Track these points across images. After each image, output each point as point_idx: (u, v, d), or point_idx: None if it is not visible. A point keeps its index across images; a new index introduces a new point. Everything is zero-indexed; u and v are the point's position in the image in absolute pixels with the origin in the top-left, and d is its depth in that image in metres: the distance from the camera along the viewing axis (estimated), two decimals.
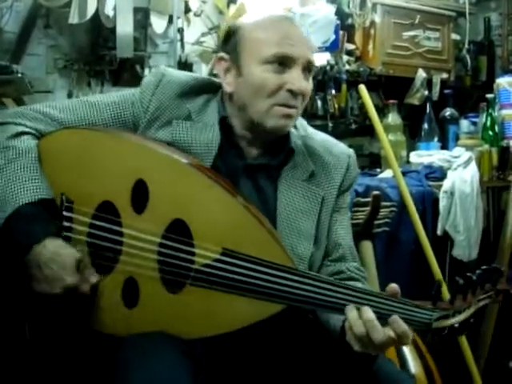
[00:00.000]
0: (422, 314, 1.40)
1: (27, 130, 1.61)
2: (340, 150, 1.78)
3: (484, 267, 1.47)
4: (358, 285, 1.57)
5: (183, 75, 1.72)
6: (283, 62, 1.59)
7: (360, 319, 1.36)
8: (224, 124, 1.66)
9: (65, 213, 1.56)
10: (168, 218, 1.49)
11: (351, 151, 1.80)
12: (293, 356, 1.59)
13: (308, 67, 1.63)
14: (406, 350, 2.43)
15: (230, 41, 1.67)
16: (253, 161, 1.68)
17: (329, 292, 1.40)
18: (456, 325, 1.42)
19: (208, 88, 1.71)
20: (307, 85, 1.63)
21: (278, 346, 1.60)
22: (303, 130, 1.76)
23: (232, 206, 1.48)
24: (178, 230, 1.47)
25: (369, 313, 1.36)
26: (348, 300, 1.39)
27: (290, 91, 1.59)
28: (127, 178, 1.53)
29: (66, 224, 1.56)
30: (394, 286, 1.41)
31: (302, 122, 1.79)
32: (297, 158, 1.69)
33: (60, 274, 1.45)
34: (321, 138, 1.78)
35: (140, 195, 1.51)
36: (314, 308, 1.49)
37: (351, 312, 1.37)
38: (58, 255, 1.47)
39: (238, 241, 1.45)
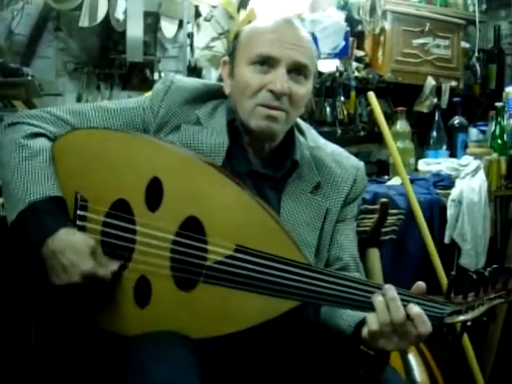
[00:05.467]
0: (435, 308, 1.40)
1: (42, 131, 1.63)
2: (349, 162, 1.78)
3: (495, 266, 1.47)
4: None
5: (192, 82, 1.75)
6: (267, 62, 1.60)
7: (383, 299, 1.37)
8: (232, 127, 1.67)
9: (79, 212, 1.57)
10: (182, 215, 1.49)
11: (361, 164, 1.80)
12: (299, 358, 1.59)
13: (298, 69, 1.62)
14: (412, 358, 2.43)
15: (232, 45, 1.71)
16: (258, 168, 1.68)
17: (345, 288, 1.40)
18: (469, 323, 1.42)
19: (217, 94, 1.73)
20: (295, 86, 1.62)
21: (285, 348, 1.60)
22: (312, 141, 1.76)
23: (246, 203, 1.48)
24: (192, 228, 1.48)
25: (393, 291, 1.38)
26: (362, 295, 1.40)
27: (271, 91, 1.59)
28: (142, 175, 1.54)
29: (80, 223, 1.57)
30: (421, 285, 1.43)
31: (312, 134, 1.80)
32: (302, 170, 1.70)
33: (75, 259, 1.46)
34: (331, 150, 1.78)
35: (154, 193, 1.52)
36: (329, 304, 1.49)
37: (378, 296, 1.39)
38: (71, 242, 1.48)
39: (252, 237, 1.44)
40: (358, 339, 1.45)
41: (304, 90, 1.65)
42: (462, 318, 1.42)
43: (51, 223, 1.50)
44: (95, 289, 1.51)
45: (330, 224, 1.70)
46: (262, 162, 1.70)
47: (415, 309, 1.37)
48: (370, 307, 1.40)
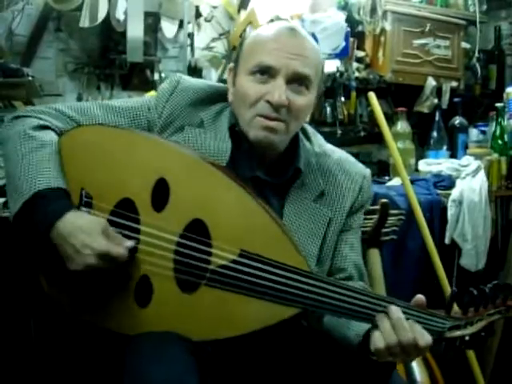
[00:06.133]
0: (435, 323, 1.41)
1: (48, 124, 1.62)
2: (355, 169, 1.75)
3: (495, 282, 1.49)
4: None
5: (199, 83, 1.73)
6: (266, 72, 1.58)
7: (389, 320, 1.38)
8: (234, 133, 1.66)
9: (84, 208, 1.57)
10: (187, 217, 1.49)
11: (367, 172, 1.78)
12: (298, 362, 1.58)
13: (298, 80, 1.60)
14: None
15: (236, 53, 1.70)
16: (261, 174, 1.67)
17: (348, 298, 1.41)
18: (467, 337, 1.42)
19: (224, 96, 1.71)
20: (295, 97, 1.60)
21: (284, 351, 1.60)
22: (318, 147, 1.74)
23: (251, 207, 1.48)
24: (197, 230, 1.47)
25: (399, 313, 1.39)
26: (367, 307, 1.41)
27: (269, 102, 1.57)
28: (148, 176, 1.53)
29: (86, 212, 1.56)
30: (421, 298, 1.44)
31: (319, 140, 1.78)
32: (306, 177, 1.68)
33: (87, 240, 1.44)
34: (337, 157, 1.75)
35: (160, 194, 1.51)
36: (329, 313, 1.49)
37: (383, 318, 1.40)
38: (81, 224, 1.47)
39: (256, 242, 1.44)
40: (367, 349, 1.44)
41: (304, 100, 1.62)
42: (460, 332, 1.43)
43: (57, 208, 1.48)
44: (105, 278, 1.50)
45: (333, 233, 1.69)
46: (264, 168, 1.68)
47: (415, 326, 1.39)
48: (369, 318, 1.42)
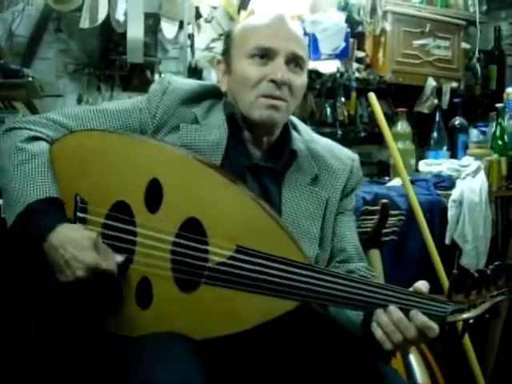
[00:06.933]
0: (436, 307, 1.42)
1: (39, 134, 1.64)
2: (344, 153, 1.82)
3: (497, 263, 1.48)
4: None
5: (188, 82, 1.77)
6: (265, 55, 1.65)
7: (391, 322, 1.40)
8: (232, 121, 1.70)
9: (79, 214, 1.58)
10: (182, 216, 1.49)
11: (355, 155, 1.84)
12: (301, 355, 1.59)
13: (295, 60, 1.66)
14: (413, 360, 2.43)
15: (225, 44, 1.75)
16: (259, 162, 1.71)
17: (347, 288, 1.42)
18: (471, 320, 1.43)
19: (212, 93, 1.76)
20: (294, 77, 1.66)
21: (286, 345, 1.60)
22: (307, 135, 1.80)
23: (246, 203, 1.48)
24: (192, 229, 1.48)
25: (398, 313, 1.40)
26: (367, 295, 1.42)
27: (273, 81, 1.63)
28: (141, 177, 1.54)
29: (79, 225, 1.57)
30: (420, 286, 1.44)
31: (305, 128, 1.83)
32: (300, 162, 1.72)
33: (77, 253, 1.45)
34: (325, 143, 1.82)
35: (154, 194, 1.52)
36: (331, 304, 1.51)
37: (382, 316, 1.41)
38: (72, 237, 1.48)
39: (252, 238, 1.45)
40: (368, 325, 1.46)
41: (301, 80, 1.69)
42: (464, 316, 1.43)
43: (49, 220, 1.50)
44: (99, 288, 1.51)
45: (331, 214, 1.72)
46: (263, 155, 1.72)
47: (420, 318, 1.40)
48: (370, 307, 1.42)
